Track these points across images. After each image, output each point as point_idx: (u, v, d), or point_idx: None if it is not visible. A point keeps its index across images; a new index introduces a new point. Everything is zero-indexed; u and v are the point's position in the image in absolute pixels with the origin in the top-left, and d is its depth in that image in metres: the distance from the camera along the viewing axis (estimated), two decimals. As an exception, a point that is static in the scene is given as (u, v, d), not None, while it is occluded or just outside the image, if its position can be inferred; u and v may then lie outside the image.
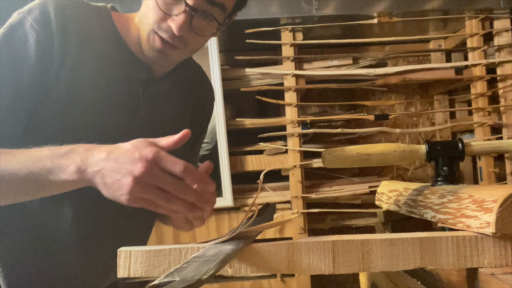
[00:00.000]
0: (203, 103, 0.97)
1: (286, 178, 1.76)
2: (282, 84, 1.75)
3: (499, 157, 1.80)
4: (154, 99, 0.84)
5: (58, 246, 0.79)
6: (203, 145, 1.06)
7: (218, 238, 0.61)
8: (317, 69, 1.77)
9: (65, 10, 0.75)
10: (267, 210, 0.83)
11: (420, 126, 2.08)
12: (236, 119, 1.75)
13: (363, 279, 1.03)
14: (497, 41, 1.75)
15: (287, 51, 1.74)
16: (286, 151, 1.74)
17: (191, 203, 0.60)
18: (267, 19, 1.67)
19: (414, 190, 0.85)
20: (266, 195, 1.74)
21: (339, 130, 1.73)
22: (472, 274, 0.62)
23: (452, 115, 2.05)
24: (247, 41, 1.70)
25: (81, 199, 0.77)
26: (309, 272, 0.59)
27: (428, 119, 2.09)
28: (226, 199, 1.68)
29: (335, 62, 1.78)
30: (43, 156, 0.62)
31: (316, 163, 1.73)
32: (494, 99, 1.78)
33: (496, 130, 1.75)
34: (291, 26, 1.73)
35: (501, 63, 1.73)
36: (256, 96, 1.75)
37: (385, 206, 0.98)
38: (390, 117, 1.80)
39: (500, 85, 1.74)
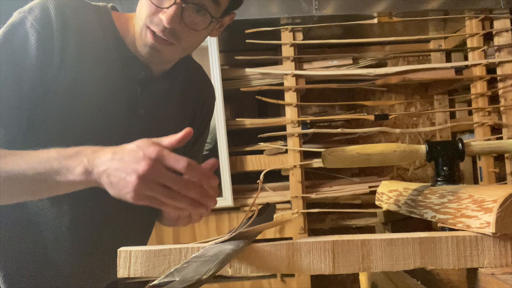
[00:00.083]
0: (203, 102, 0.97)
1: (286, 178, 1.76)
2: (282, 84, 1.75)
3: (499, 157, 1.80)
4: (153, 98, 0.85)
5: (56, 245, 0.79)
6: (203, 145, 1.06)
7: (218, 238, 0.61)
8: (317, 69, 1.77)
9: (66, 9, 0.75)
10: (267, 210, 0.83)
11: (420, 126, 2.08)
12: (236, 119, 1.75)
13: (363, 279, 1.03)
14: (497, 41, 1.75)
15: (287, 51, 1.74)
16: (286, 151, 1.74)
17: (195, 200, 0.61)
18: (267, 19, 1.67)
19: (414, 190, 0.85)
20: (266, 195, 1.74)
21: (339, 130, 1.73)
22: (472, 274, 0.62)
23: (452, 115, 2.05)
24: (247, 41, 1.70)
25: (80, 200, 0.77)
26: (309, 272, 0.59)
27: (428, 119, 2.09)
28: (226, 199, 1.68)
29: (335, 62, 1.78)
30: (50, 158, 0.64)
31: (316, 163, 1.73)
32: (494, 99, 1.78)
33: (496, 130, 1.75)
34: (291, 26, 1.73)
35: (501, 63, 1.73)
36: (256, 96, 1.75)
37: (385, 206, 0.98)
38: (390, 117, 1.80)
39: (500, 85, 1.74)
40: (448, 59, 1.99)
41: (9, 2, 1.34)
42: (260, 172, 0.68)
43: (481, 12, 1.72)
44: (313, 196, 1.73)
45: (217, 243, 0.59)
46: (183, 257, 0.59)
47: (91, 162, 0.62)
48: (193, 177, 0.60)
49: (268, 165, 1.73)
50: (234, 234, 0.60)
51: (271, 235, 1.71)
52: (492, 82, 1.78)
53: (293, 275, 1.71)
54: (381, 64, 1.86)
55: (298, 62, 1.77)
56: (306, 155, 1.76)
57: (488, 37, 1.79)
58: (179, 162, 0.59)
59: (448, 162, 0.82)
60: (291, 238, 1.53)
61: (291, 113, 1.73)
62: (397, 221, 1.03)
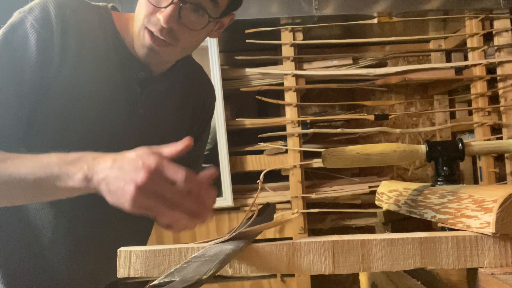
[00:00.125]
0: (203, 103, 0.97)
1: (286, 178, 1.76)
2: (282, 84, 1.75)
3: (499, 157, 1.80)
4: (152, 99, 0.85)
5: (55, 246, 0.79)
6: (203, 145, 1.06)
7: (218, 238, 0.61)
8: (317, 69, 1.77)
9: (66, 9, 0.75)
10: (267, 210, 0.83)
11: (420, 126, 2.08)
12: (236, 119, 1.75)
13: (363, 279, 1.03)
14: (497, 41, 1.75)
15: (287, 51, 1.74)
16: (286, 151, 1.74)
17: (192, 210, 0.61)
18: (267, 19, 1.67)
19: (414, 190, 0.85)
20: (266, 195, 1.74)
21: (339, 130, 1.73)
22: (472, 274, 0.62)
23: (452, 115, 2.05)
24: (247, 41, 1.70)
25: (79, 200, 0.77)
26: (309, 272, 0.59)
27: (428, 119, 2.09)
28: (226, 199, 1.68)
29: (335, 62, 1.78)
30: (50, 163, 0.64)
31: (316, 163, 1.73)
32: (494, 99, 1.78)
33: (496, 130, 1.75)
34: (291, 26, 1.73)
35: (501, 63, 1.73)
36: (256, 96, 1.75)
37: (385, 206, 0.98)
38: (390, 117, 1.80)
39: (500, 85, 1.74)
40: (448, 59, 1.99)
41: (9, 2, 1.34)
42: (260, 172, 0.68)
43: (481, 12, 1.72)
44: (313, 196, 1.73)
45: (217, 243, 0.59)
46: (183, 257, 0.59)
47: (91, 169, 0.62)
48: (191, 189, 0.60)
49: (268, 165, 1.73)
50: (234, 234, 0.60)
51: (271, 235, 1.71)
52: (492, 82, 1.78)
53: (293, 275, 1.71)
54: (381, 64, 1.86)
55: (298, 62, 1.77)
56: (306, 155, 1.76)
57: (488, 37, 1.79)
58: (178, 173, 0.59)
59: (448, 162, 0.82)
60: (291, 238, 1.53)
61: (291, 113, 1.73)
62: (397, 221, 1.03)
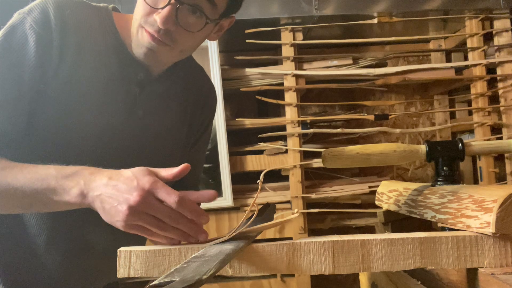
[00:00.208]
0: (203, 104, 0.96)
1: (286, 178, 1.76)
2: (282, 84, 1.75)
3: (499, 157, 1.80)
4: (151, 100, 0.84)
5: (53, 246, 0.79)
6: (203, 145, 1.06)
7: (218, 238, 0.61)
8: (317, 69, 1.77)
9: (65, 10, 0.75)
10: (267, 210, 0.83)
11: (420, 126, 2.08)
12: (236, 119, 1.75)
13: (363, 279, 1.03)
14: (497, 41, 1.75)
15: (287, 51, 1.74)
16: (286, 151, 1.74)
17: (184, 232, 0.62)
18: (267, 19, 1.67)
19: (414, 190, 0.85)
20: (266, 195, 1.74)
21: (339, 130, 1.73)
22: (472, 274, 0.62)
23: (452, 115, 2.05)
24: (247, 41, 1.71)
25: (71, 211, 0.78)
26: (309, 272, 0.59)
27: (428, 119, 2.09)
28: (226, 199, 1.68)
29: (335, 62, 1.78)
30: (48, 175, 0.64)
31: (316, 163, 1.73)
32: (494, 99, 1.78)
33: (496, 130, 1.75)
34: (291, 26, 1.73)
35: (501, 63, 1.73)
36: (256, 96, 1.75)
37: (385, 206, 0.98)
38: (390, 117, 1.80)
39: (500, 85, 1.74)
40: (448, 59, 1.99)
41: (9, 2, 1.34)
42: (260, 172, 0.68)
43: (481, 12, 1.72)
44: (313, 196, 1.73)
45: (217, 243, 0.59)
46: (183, 257, 0.59)
47: (87, 184, 0.63)
48: (184, 213, 0.61)
49: (268, 165, 1.73)
50: (234, 234, 0.60)
51: (271, 235, 1.71)
52: (492, 82, 1.78)
53: (293, 275, 1.71)
54: (381, 64, 1.86)
55: (298, 62, 1.77)
56: (306, 155, 1.76)
57: (488, 37, 1.79)
58: (171, 196, 0.60)
59: (448, 162, 0.82)
60: (291, 238, 1.53)
61: (291, 113, 1.73)
62: (397, 221, 1.03)
